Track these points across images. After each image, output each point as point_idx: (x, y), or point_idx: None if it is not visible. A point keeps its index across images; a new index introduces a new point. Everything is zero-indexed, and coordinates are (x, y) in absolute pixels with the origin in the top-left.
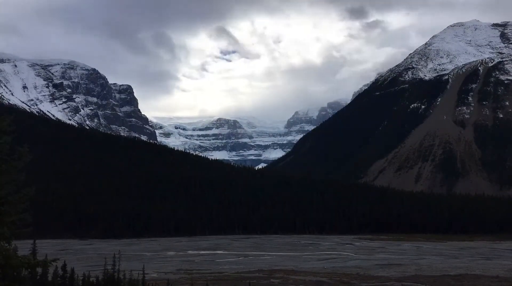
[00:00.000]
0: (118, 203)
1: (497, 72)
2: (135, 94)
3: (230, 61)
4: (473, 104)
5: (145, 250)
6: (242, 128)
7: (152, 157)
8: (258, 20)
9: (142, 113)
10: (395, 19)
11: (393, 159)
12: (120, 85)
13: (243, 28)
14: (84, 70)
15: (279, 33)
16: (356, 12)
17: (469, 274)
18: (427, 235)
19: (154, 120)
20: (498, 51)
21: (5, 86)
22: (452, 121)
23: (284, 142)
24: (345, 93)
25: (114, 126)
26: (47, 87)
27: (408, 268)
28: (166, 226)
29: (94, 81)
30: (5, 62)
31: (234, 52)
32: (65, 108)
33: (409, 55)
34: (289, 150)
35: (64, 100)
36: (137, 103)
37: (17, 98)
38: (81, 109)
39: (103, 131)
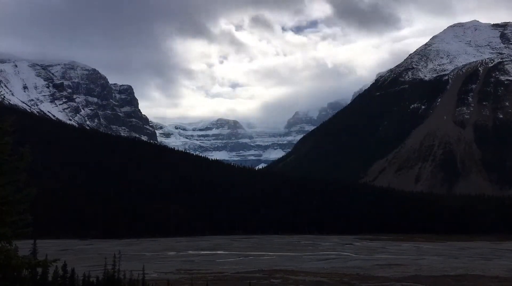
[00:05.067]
0: (119, 203)
1: (497, 73)
2: (135, 94)
3: None
4: (473, 105)
5: (145, 250)
6: (242, 129)
7: (153, 157)
8: None
9: (142, 113)
10: None
11: (393, 159)
12: (121, 85)
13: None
14: (84, 70)
15: None
16: None
17: (469, 274)
18: (427, 235)
19: (155, 120)
20: (498, 51)
21: (5, 86)
22: (452, 122)
23: (284, 142)
24: (345, 94)
25: (114, 126)
26: (48, 87)
27: (408, 268)
28: (166, 226)
29: (94, 81)
30: (5, 62)
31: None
32: (65, 108)
33: (409, 55)
34: (289, 150)
35: (64, 100)
36: (137, 103)
37: (17, 98)
38: (82, 109)
39: (103, 131)
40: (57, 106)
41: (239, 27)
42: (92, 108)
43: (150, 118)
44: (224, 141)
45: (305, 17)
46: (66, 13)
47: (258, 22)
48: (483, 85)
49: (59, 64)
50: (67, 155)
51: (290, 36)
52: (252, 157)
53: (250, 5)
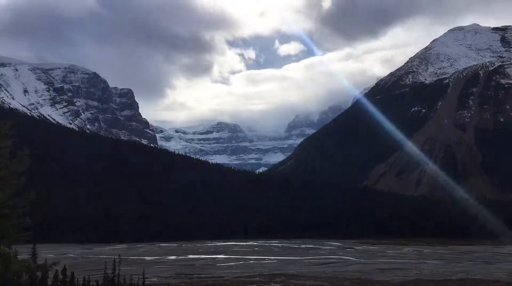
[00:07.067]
0: (119, 207)
1: (498, 76)
2: (135, 98)
3: None
4: (473, 108)
5: (145, 255)
6: (243, 132)
7: (153, 161)
8: None
9: (143, 116)
10: None
11: (394, 163)
12: (121, 89)
13: None
14: (84, 74)
15: None
16: None
17: (470, 278)
18: (428, 239)
19: (155, 124)
20: (498, 55)
21: (6, 90)
22: (453, 125)
23: (285, 146)
24: (346, 97)
25: (114, 130)
26: (48, 91)
27: (409, 272)
28: (166, 230)
29: (94, 85)
30: (6, 66)
31: None
32: (65, 112)
33: (410, 59)
34: (289, 154)
35: (64, 104)
36: (137, 107)
37: (18, 102)
38: (82, 113)
39: (103, 135)
40: (57, 109)
41: None
42: (92, 111)
43: (151, 121)
44: (224, 145)
45: None
46: (66, 16)
47: None
48: (484, 88)
49: (59, 68)
50: (67, 159)
51: None
52: (253, 161)
53: None
